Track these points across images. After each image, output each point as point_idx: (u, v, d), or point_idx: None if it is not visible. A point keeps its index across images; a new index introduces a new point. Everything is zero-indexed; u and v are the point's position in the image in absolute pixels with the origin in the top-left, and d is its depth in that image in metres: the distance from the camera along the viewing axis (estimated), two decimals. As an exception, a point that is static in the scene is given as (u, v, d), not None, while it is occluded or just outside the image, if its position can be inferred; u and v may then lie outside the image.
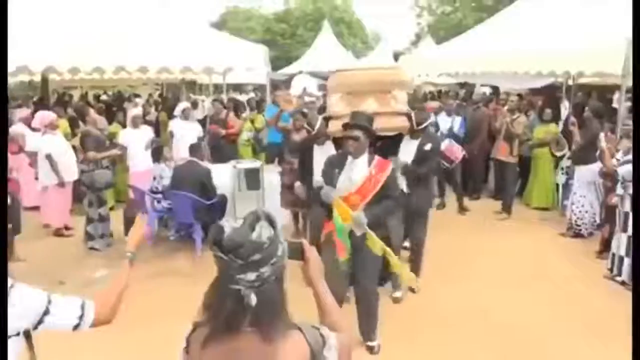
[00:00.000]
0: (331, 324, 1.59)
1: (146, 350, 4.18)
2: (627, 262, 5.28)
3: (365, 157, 3.79)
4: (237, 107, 10.05)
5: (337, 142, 4.64)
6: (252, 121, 9.83)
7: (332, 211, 3.71)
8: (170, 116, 9.70)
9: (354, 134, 3.74)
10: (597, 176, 6.39)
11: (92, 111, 6.56)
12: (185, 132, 8.33)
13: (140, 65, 8.18)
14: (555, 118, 8.30)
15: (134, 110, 8.27)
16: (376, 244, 3.66)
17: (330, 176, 3.80)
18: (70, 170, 6.89)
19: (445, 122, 8.61)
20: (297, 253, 1.59)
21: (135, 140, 7.89)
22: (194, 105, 10.81)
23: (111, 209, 7.31)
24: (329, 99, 4.85)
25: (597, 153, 6.02)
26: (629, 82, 7.45)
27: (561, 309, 4.89)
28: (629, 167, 5.06)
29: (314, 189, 3.98)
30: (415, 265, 5.19)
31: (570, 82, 13.26)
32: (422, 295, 5.11)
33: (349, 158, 3.81)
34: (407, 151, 4.97)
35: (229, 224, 1.39)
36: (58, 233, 7.11)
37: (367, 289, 3.95)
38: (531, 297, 5.13)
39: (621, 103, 6.99)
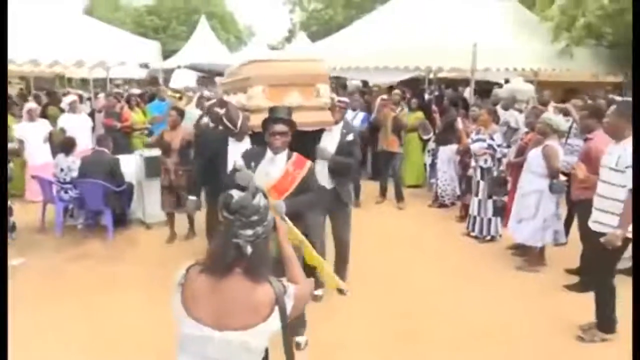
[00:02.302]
0: (292, 277, 2.13)
1: (78, 324, 4.57)
2: (478, 220, 6.63)
3: (285, 153, 3.69)
4: (130, 101, 10.25)
5: (255, 137, 4.41)
6: (144, 114, 10.08)
7: None
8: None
9: (281, 128, 3.63)
10: (454, 154, 7.75)
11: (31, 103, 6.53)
12: (76, 126, 8.44)
13: (30, 59, 8.23)
14: (421, 107, 9.62)
15: (30, 104, 8.25)
16: (294, 234, 3.38)
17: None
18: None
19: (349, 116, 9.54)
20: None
21: (32, 133, 7.95)
22: (80, 99, 10.78)
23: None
24: (248, 90, 4.39)
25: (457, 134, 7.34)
26: (476, 77, 9.05)
27: (433, 264, 5.96)
28: (478, 144, 6.39)
29: (229, 180, 3.57)
30: (341, 266, 5.04)
31: (430, 76, 15.08)
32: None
33: (269, 153, 3.69)
34: (327, 142, 4.76)
35: (236, 193, 1.91)
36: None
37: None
38: (410, 257, 6.13)
39: (471, 94, 8.47)
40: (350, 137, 4.80)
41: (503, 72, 10.43)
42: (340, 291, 4.44)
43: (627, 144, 3.79)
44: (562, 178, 5.37)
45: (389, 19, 10.32)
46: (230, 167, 4.34)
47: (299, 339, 4.04)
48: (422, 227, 7.35)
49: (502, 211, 6.57)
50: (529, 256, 5.74)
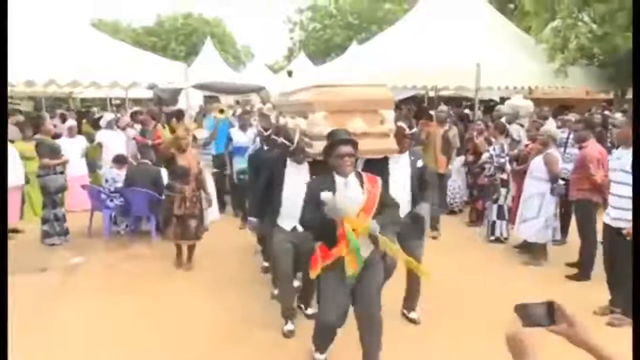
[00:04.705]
0: None
1: (135, 312, 5.17)
2: (486, 222, 7.38)
3: (354, 174, 3.60)
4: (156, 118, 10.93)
5: (315, 165, 4.25)
6: (173, 131, 10.74)
7: (332, 234, 3.47)
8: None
9: (348, 150, 3.54)
10: (462, 165, 8.52)
11: (47, 121, 7.24)
12: (112, 141, 9.26)
13: (72, 79, 8.99)
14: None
15: (70, 122, 8.99)
16: (390, 246, 3.50)
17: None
18: (13, 176, 7.44)
19: None
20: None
21: (71, 148, 8.66)
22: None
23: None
24: (310, 116, 4.23)
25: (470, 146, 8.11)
26: (480, 96, 9.90)
27: (451, 261, 6.47)
28: (484, 155, 7.22)
29: (310, 217, 3.62)
30: (413, 294, 4.91)
31: (431, 94, 15.98)
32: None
33: (338, 178, 3.56)
34: (399, 172, 4.49)
35: None
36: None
37: (372, 309, 3.69)
38: (429, 257, 6.72)
39: (476, 110, 9.29)
40: (420, 164, 4.63)
41: (503, 90, 11.31)
42: (412, 320, 4.84)
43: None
44: (561, 182, 6.13)
45: (396, 41, 11.20)
46: (286, 191, 4.36)
47: None
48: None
49: (507, 215, 7.26)
50: (534, 253, 6.46)
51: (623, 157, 4.64)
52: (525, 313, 1.43)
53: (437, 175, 7.74)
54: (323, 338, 3.87)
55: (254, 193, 4.98)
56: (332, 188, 3.48)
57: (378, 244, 3.45)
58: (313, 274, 3.76)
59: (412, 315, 4.88)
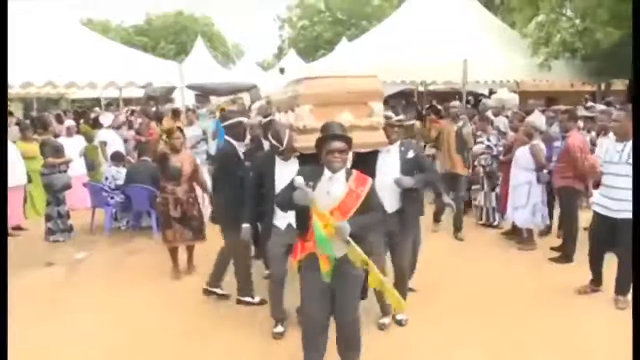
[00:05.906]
0: None
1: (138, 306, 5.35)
2: (484, 210, 7.73)
3: (343, 170, 3.40)
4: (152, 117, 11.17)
5: (302, 159, 4.14)
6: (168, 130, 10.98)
7: (303, 222, 3.43)
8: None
9: (340, 145, 3.35)
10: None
11: (54, 121, 7.45)
12: (114, 139, 9.50)
13: (69, 81, 9.20)
14: (417, 116, 10.71)
15: (68, 122, 9.19)
16: (358, 256, 3.28)
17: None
18: (15, 175, 7.62)
19: None
20: None
21: (70, 148, 8.86)
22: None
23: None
24: (296, 109, 4.15)
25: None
26: (468, 90, 10.19)
27: (449, 247, 6.90)
28: (477, 146, 7.51)
29: (282, 196, 3.49)
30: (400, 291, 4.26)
31: (420, 89, 16.29)
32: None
33: (326, 172, 3.38)
34: (388, 164, 4.40)
35: None
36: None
37: (348, 313, 3.54)
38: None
39: (463, 104, 9.62)
40: (410, 154, 4.48)
41: (490, 84, 11.65)
42: (399, 322, 4.62)
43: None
44: (545, 171, 6.44)
45: (385, 38, 11.47)
46: (277, 189, 4.05)
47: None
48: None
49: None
50: (523, 238, 6.79)
51: (623, 150, 4.73)
52: None
53: (451, 175, 7.20)
54: (310, 339, 3.64)
55: (244, 199, 4.61)
56: (316, 179, 3.36)
57: (349, 248, 3.27)
58: (297, 260, 3.66)
59: (399, 317, 4.67)
